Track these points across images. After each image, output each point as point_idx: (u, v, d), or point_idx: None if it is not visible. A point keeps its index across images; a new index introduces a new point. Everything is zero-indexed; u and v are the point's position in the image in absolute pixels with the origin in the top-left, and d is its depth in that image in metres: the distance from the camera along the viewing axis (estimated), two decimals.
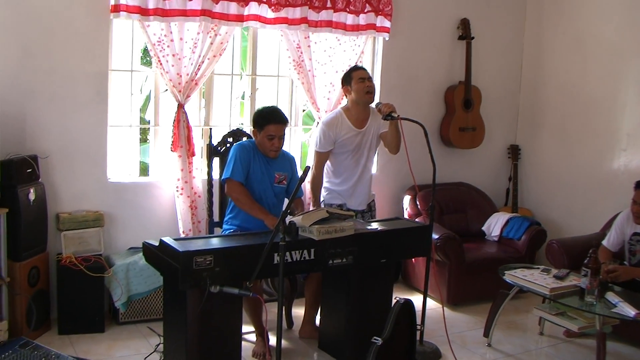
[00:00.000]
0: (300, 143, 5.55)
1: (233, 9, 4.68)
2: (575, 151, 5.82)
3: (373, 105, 4.54)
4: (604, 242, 4.61)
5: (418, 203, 5.47)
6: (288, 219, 3.53)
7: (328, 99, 5.21)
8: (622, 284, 4.19)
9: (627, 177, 5.19)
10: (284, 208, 3.62)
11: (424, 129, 4.08)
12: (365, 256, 3.85)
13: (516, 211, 6.02)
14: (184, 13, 4.50)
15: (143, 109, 6.89)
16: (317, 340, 4.32)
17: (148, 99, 6.38)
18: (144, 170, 5.92)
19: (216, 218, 4.59)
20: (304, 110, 5.74)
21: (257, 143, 4.21)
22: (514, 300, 4.80)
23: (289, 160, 4.42)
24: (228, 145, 4.60)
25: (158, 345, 4.03)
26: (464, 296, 5.18)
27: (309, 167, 3.66)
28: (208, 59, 4.69)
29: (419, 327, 4.05)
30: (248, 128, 4.95)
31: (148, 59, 5.97)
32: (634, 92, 5.33)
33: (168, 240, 3.41)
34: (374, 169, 4.96)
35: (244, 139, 4.63)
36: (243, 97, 5.75)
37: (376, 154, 5.03)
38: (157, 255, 3.47)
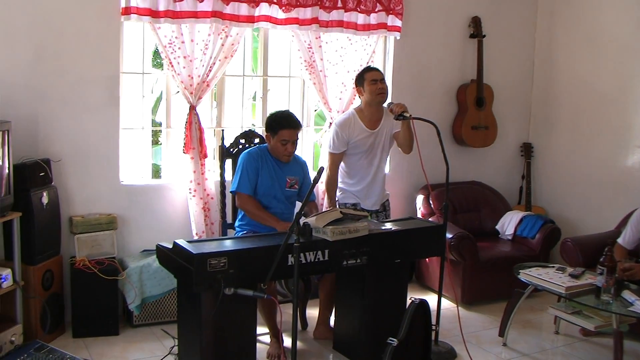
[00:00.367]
0: (312, 143, 5.54)
1: (244, 10, 4.68)
2: (589, 148, 5.78)
3: (385, 105, 4.53)
4: (620, 240, 4.56)
5: (431, 202, 5.45)
6: (302, 220, 3.52)
7: (340, 99, 5.20)
8: (638, 282, 4.14)
9: None
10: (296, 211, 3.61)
11: (436, 128, 4.07)
12: (380, 256, 3.83)
13: (530, 209, 5.99)
14: (195, 15, 4.50)
15: (153, 111, 6.90)
16: (332, 341, 4.31)
17: (159, 100, 6.39)
18: (157, 172, 5.94)
19: (229, 220, 4.59)
20: (315, 110, 5.73)
21: (270, 147, 4.21)
22: (529, 299, 4.76)
23: (301, 164, 4.42)
24: (240, 147, 4.60)
25: (172, 347, 4.04)
26: (478, 295, 5.16)
27: (323, 168, 3.65)
28: (219, 60, 4.68)
29: (434, 327, 4.03)
30: (260, 129, 4.95)
31: (159, 61, 5.98)
32: None
33: (181, 242, 3.40)
34: (386, 169, 4.95)
35: (256, 140, 4.64)
36: (255, 98, 5.75)
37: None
38: (171, 257, 3.46)
